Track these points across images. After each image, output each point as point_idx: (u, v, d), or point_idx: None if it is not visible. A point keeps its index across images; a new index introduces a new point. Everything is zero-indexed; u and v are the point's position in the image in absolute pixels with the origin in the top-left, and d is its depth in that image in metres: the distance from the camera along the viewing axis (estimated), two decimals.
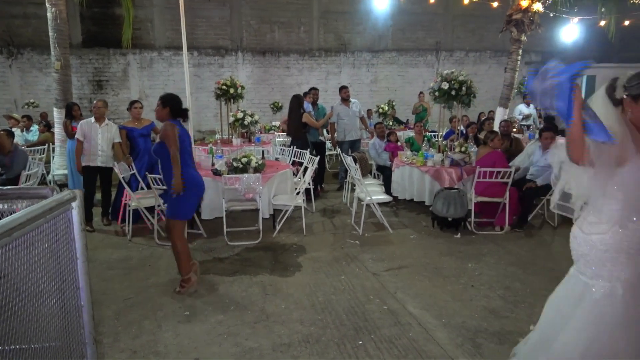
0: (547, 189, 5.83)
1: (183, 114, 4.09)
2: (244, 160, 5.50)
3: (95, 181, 6.10)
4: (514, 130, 8.96)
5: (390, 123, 11.90)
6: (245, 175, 5.27)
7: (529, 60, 15.83)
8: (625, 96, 2.04)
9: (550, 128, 6.06)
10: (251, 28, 14.47)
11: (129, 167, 5.91)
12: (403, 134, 10.17)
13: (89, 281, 1.73)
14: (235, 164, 5.49)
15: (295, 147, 7.13)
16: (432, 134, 9.68)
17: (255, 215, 5.51)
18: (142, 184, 6.01)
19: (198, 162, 6.06)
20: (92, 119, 6.00)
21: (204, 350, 3.18)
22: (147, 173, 5.69)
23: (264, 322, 3.54)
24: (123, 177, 5.54)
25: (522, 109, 10.47)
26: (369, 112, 11.94)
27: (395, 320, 3.54)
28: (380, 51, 15.41)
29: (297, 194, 5.77)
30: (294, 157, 7.03)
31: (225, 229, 5.29)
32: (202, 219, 5.57)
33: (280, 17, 14.62)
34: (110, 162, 5.99)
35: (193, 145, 7.77)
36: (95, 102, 6.16)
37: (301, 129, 7.15)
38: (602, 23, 10.40)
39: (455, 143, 6.55)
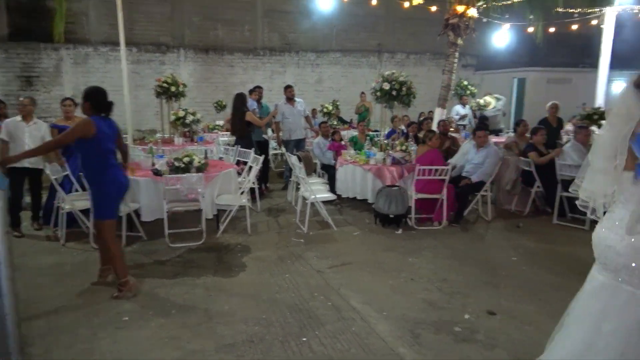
0: (480, 185, 6.15)
1: (105, 107, 3.89)
2: (186, 159, 5.38)
3: (23, 184, 5.75)
4: (452, 129, 9.34)
5: (335, 122, 12.05)
6: (187, 175, 5.16)
7: (465, 63, 16.58)
8: None
9: (482, 127, 6.39)
10: (193, 25, 14.14)
11: (61, 167, 5.61)
12: (347, 133, 10.35)
13: (13, 288, 1.64)
14: (176, 164, 5.36)
15: (239, 146, 7.05)
16: (375, 133, 9.92)
17: (198, 215, 5.41)
18: (76, 185, 5.72)
19: (137, 162, 5.87)
20: (19, 118, 5.64)
21: (144, 355, 3.09)
22: (80, 174, 5.42)
23: (207, 324, 3.49)
24: (55, 179, 5.25)
25: (459, 109, 10.94)
26: (313, 111, 12.02)
27: (339, 316, 3.61)
28: (324, 51, 15.55)
29: (242, 193, 5.72)
30: (238, 157, 6.95)
31: (166, 231, 5.14)
32: (142, 220, 5.39)
33: (224, 14, 14.38)
34: (40, 163, 5.66)
35: (132, 145, 7.55)
36: (21, 99, 5.78)
37: (245, 127, 7.09)
38: (531, 29, 11.06)
39: (397, 142, 6.75)
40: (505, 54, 15.43)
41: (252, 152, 6.60)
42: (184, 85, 8.11)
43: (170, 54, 13.94)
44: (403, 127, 9.21)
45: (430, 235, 5.65)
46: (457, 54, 9.55)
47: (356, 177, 6.50)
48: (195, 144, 8.17)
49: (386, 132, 9.48)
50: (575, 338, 2.21)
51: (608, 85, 15.08)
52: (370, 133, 8.96)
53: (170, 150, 7.24)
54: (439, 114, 9.61)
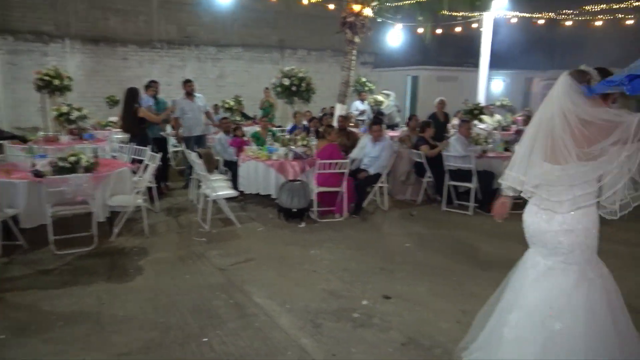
0: (377, 177, 6.46)
1: None
2: (72, 159, 4.96)
3: None
4: (351, 124, 9.68)
5: (238, 118, 11.88)
6: (74, 175, 4.77)
7: (364, 60, 17.24)
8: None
9: (378, 122, 6.72)
10: (80, 13, 13.04)
11: None
12: (251, 129, 10.26)
13: None
14: (61, 164, 4.92)
15: (134, 144, 6.66)
16: (279, 128, 9.96)
17: (89, 219, 5.03)
18: None
19: (14, 163, 5.30)
20: None
21: None
22: None
23: (99, 334, 3.27)
24: None
25: (358, 105, 11.36)
26: (215, 107, 11.74)
27: (241, 313, 3.59)
28: (226, 46, 15.24)
29: (137, 193, 5.42)
30: (133, 155, 6.57)
31: (51, 237, 4.72)
32: (22, 227, 4.88)
33: (114, 3, 13.45)
34: None
35: (9, 144, 6.78)
36: None
37: (137, 124, 6.71)
38: (420, 30, 11.81)
39: (298, 137, 6.84)
40: (400, 52, 16.34)
41: (148, 149, 6.28)
42: (70, 79, 7.47)
43: (54, 45, 12.74)
44: (305, 123, 9.34)
45: (331, 227, 5.83)
46: (355, 52, 9.90)
47: (259, 173, 6.48)
48: (85, 142, 7.57)
49: (288, 128, 9.58)
50: (526, 322, 2.31)
51: (488, 83, 16.64)
52: (273, 129, 8.97)
53: (54, 150, 6.62)
54: (339, 110, 9.91)
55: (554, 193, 2.27)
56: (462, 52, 16.28)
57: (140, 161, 6.32)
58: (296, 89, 6.54)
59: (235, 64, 15.51)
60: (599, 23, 11.40)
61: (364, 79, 12.37)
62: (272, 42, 16.05)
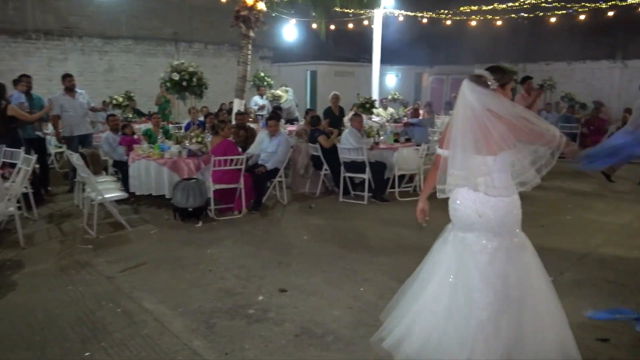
0: (275, 172, 6.48)
1: None
2: None
3: None
4: (250, 120, 9.60)
5: (130, 115, 11.21)
6: None
7: (263, 55, 17.16)
8: (496, 87, 2.47)
9: (274, 117, 6.73)
10: None
11: None
12: (145, 127, 9.72)
13: None
14: None
15: (4, 145, 5.98)
16: (176, 125, 9.56)
17: None
18: None
19: None
20: None
21: None
22: None
23: None
24: None
25: (257, 100, 11.30)
26: (104, 103, 10.94)
27: (129, 322, 3.40)
28: (114, 38, 14.22)
29: (9, 200, 4.88)
30: (3, 158, 5.89)
31: None
32: None
33: None
34: None
35: None
36: None
37: (6, 123, 6.03)
38: (315, 25, 12.02)
39: (192, 134, 6.62)
40: (299, 47, 16.51)
41: (21, 151, 5.68)
42: None
43: None
44: (201, 119, 9.08)
45: (230, 225, 5.74)
46: (250, 46, 9.81)
47: (151, 173, 6.18)
48: None
49: (185, 124, 9.25)
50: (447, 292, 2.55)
51: (382, 78, 17.44)
52: (167, 126, 8.59)
53: None
54: (237, 105, 9.77)
55: (484, 181, 2.46)
56: (358, 48, 16.88)
57: (13, 165, 5.70)
58: (187, 84, 6.29)
59: (125, 57, 14.56)
60: (473, 23, 12.48)
61: (262, 74, 12.30)
62: (166, 35, 15.31)
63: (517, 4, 11.07)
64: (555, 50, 15.92)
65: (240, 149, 6.39)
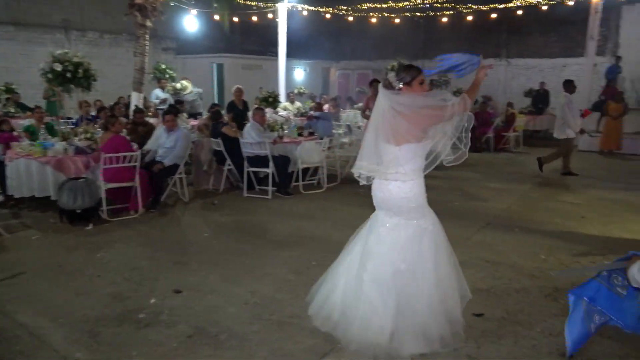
0: (175, 168, 6.23)
1: None
2: None
3: None
4: (150, 114, 9.14)
5: (12, 110, 10.15)
6: None
7: (166, 46, 16.40)
8: (401, 86, 2.76)
9: (171, 111, 6.46)
10: None
11: None
12: (29, 122, 8.82)
13: None
14: None
15: None
16: (68, 120, 8.80)
17: None
18: None
19: None
20: None
21: None
22: None
23: None
24: None
25: (158, 93, 10.77)
26: None
27: None
28: None
29: None
30: None
31: None
32: None
33: None
34: None
35: None
36: None
37: None
38: (217, 17, 11.71)
39: (80, 129, 6.14)
40: (204, 39, 15.99)
41: None
42: None
43: None
44: (93, 113, 8.46)
45: (125, 226, 5.42)
46: (147, 36, 9.32)
47: (32, 173, 5.62)
48: None
49: (75, 119, 8.57)
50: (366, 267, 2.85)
51: (290, 72, 17.52)
52: (53, 121, 7.88)
53: None
54: (135, 99, 9.26)
55: (395, 168, 2.78)
56: (266, 41, 16.73)
57: None
58: (72, 76, 5.80)
59: (6, 45, 13.14)
60: (373, 20, 12.95)
61: (163, 66, 11.74)
62: (55, 22, 14.04)
63: (411, 2, 11.66)
64: (449, 48, 16.94)
65: (136, 145, 6.05)
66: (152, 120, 8.18)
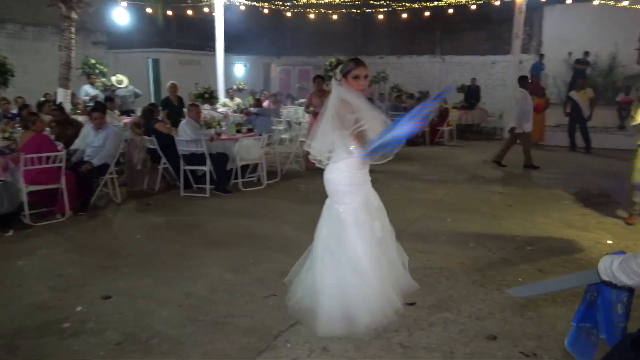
0: (104, 168, 5.95)
1: None
2: None
3: None
4: (79, 112, 8.66)
5: None
6: None
7: (96, 40, 15.59)
8: (341, 78, 2.98)
9: (98, 108, 6.15)
10: None
11: None
12: None
13: None
14: None
15: None
16: None
17: None
18: None
19: None
20: None
21: None
22: None
23: None
24: None
25: (88, 89, 10.20)
26: None
27: None
28: None
29: None
30: None
31: None
32: None
33: None
34: None
35: None
36: None
37: None
38: (150, 10, 11.27)
39: None
40: (138, 33, 15.34)
41: None
42: None
43: None
44: (14, 111, 7.90)
45: (50, 230, 5.11)
46: (73, 29, 8.83)
47: None
48: None
49: None
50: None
51: (230, 67, 17.22)
52: None
53: None
54: (62, 95, 8.77)
55: (329, 151, 3.05)
56: (204, 36, 16.31)
57: None
58: None
59: None
60: (312, 16, 12.99)
61: (93, 61, 11.14)
62: None
63: None
64: (387, 45, 17.48)
65: (61, 145, 5.69)
66: (80, 119, 7.75)
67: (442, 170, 8.59)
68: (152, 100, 14.85)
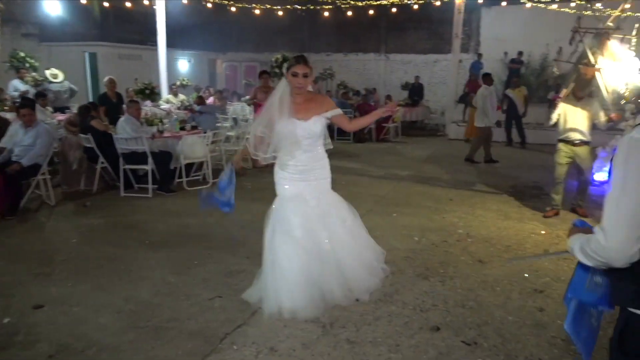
0: (36, 168, 5.58)
1: None
2: None
3: None
4: (6, 108, 8.08)
5: None
6: None
7: (26, 32, 14.59)
8: (286, 72, 3.10)
9: (27, 104, 5.76)
10: None
11: None
12: None
13: None
14: None
15: None
16: None
17: None
18: None
19: None
20: None
21: None
22: None
23: None
24: None
25: (17, 85, 9.53)
26: None
27: None
28: None
29: None
30: None
31: None
32: None
33: None
34: None
35: None
36: None
37: None
38: (85, 1, 10.70)
39: None
40: (74, 25, 14.51)
41: None
42: None
43: None
44: None
45: None
46: None
47: None
48: None
49: None
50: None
51: (174, 63, 16.70)
52: None
53: None
54: None
55: None
56: (145, 30, 15.63)
57: None
58: None
59: None
60: (257, 11, 12.83)
61: (22, 54, 10.42)
62: None
63: None
64: (334, 43, 17.60)
65: None
66: (8, 116, 7.22)
67: (387, 166, 8.75)
68: (90, 96, 14.19)
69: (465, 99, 13.01)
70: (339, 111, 3.26)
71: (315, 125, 3.19)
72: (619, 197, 1.36)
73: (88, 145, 6.31)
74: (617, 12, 8.02)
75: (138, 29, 15.86)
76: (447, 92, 14.09)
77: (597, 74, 7.18)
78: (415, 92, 14.51)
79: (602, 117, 5.31)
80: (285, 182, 3.26)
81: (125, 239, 4.74)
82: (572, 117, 5.33)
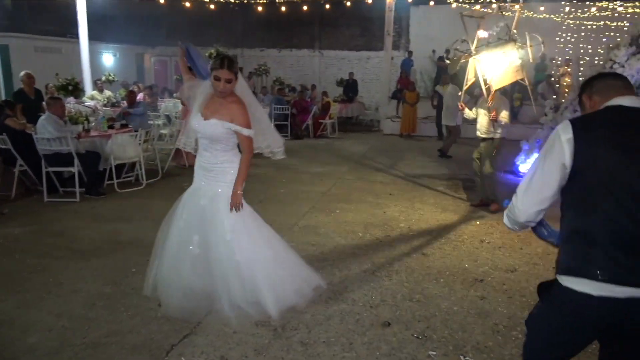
0: None
1: None
2: None
3: None
4: None
5: None
6: None
7: None
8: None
9: None
10: None
11: None
12: None
13: None
14: None
15: None
16: None
17: None
18: None
19: None
20: None
21: None
22: None
23: None
24: None
25: None
26: None
27: None
28: None
29: None
30: None
31: None
32: None
33: None
34: None
35: None
36: None
37: None
38: None
39: None
40: None
41: None
42: None
43: None
44: None
45: None
46: None
47: None
48: None
49: None
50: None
51: (97, 57, 15.70)
52: None
53: None
54: None
55: None
56: (64, 21, 14.55)
57: None
58: None
59: None
60: (187, 4, 12.37)
61: None
62: None
63: None
64: (267, 38, 17.39)
65: None
66: None
67: (326, 162, 8.80)
68: (2, 94, 12.97)
69: (397, 95, 13.38)
70: (242, 130, 2.97)
71: (210, 127, 3.00)
72: (534, 173, 1.70)
73: (3, 147, 5.75)
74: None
75: (56, 20, 14.70)
76: (380, 89, 14.42)
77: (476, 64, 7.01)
78: (349, 88, 14.72)
79: (504, 116, 5.49)
80: (195, 173, 3.30)
81: (52, 248, 4.37)
82: (479, 115, 5.69)
